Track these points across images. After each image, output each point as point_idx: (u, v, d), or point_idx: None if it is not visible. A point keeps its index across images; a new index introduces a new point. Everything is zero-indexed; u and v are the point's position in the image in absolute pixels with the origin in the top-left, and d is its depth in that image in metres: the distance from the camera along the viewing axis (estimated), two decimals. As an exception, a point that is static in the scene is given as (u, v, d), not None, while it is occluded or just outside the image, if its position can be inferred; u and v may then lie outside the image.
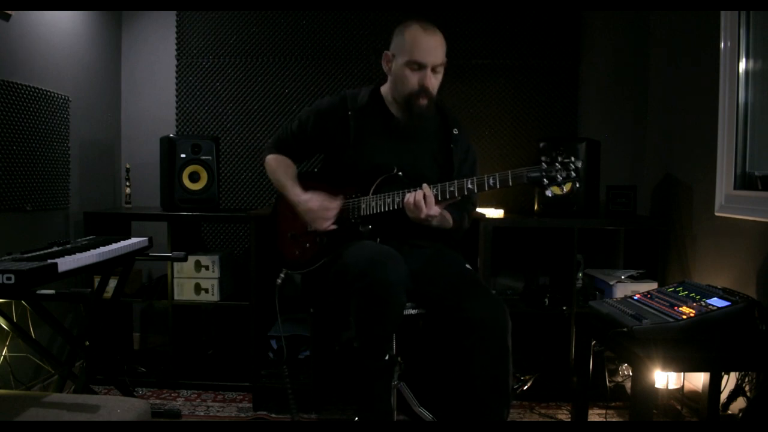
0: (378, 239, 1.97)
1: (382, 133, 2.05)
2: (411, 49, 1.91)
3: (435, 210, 1.84)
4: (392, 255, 1.78)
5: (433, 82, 1.96)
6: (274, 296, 2.11)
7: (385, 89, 2.09)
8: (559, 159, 1.78)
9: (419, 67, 1.92)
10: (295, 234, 2.09)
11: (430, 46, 1.92)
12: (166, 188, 2.86)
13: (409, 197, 1.85)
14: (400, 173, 1.98)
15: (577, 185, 1.81)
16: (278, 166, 2.15)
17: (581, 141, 2.75)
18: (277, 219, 2.17)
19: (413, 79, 1.93)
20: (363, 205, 1.97)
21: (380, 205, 1.94)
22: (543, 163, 1.79)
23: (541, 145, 2.77)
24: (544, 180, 1.78)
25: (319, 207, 1.96)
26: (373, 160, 2.00)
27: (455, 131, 2.07)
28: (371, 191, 1.97)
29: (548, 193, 1.83)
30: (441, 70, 1.97)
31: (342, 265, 1.84)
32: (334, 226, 1.98)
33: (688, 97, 2.81)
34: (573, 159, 1.77)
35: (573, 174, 1.78)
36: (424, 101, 1.95)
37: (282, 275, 2.10)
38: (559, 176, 1.77)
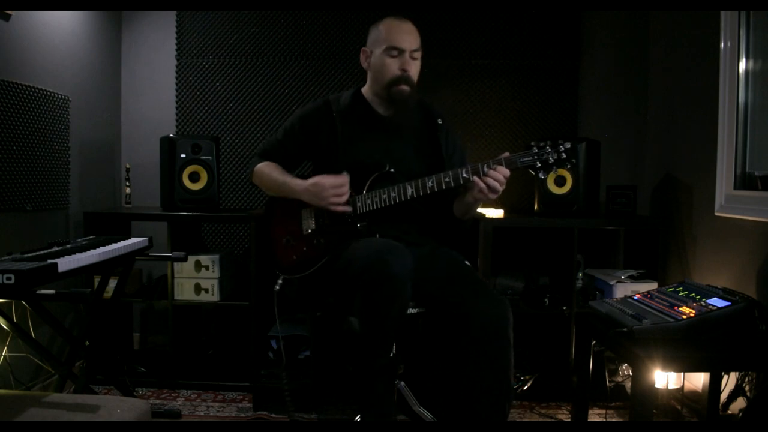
0: (377, 235, 1.97)
1: (368, 131, 2.07)
2: (388, 36, 1.98)
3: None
4: (397, 248, 1.78)
5: (412, 68, 1.99)
6: (273, 296, 2.10)
7: (366, 89, 2.12)
8: (549, 142, 1.85)
9: (398, 52, 1.97)
10: (289, 239, 2.08)
11: (406, 32, 1.99)
12: (166, 188, 2.86)
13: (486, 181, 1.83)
14: (392, 170, 1.99)
15: (569, 165, 1.87)
16: (271, 170, 2.13)
17: (581, 141, 2.75)
18: (270, 225, 2.16)
19: (393, 65, 1.97)
20: (359, 203, 1.98)
21: (376, 202, 1.95)
22: (534, 148, 1.85)
23: (541, 144, 2.77)
24: (537, 163, 1.84)
25: (331, 183, 1.93)
26: (364, 159, 2.01)
27: (439, 121, 2.11)
28: (365, 189, 1.98)
29: (541, 175, 1.87)
30: (418, 56, 2.01)
31: (347, 261, 1.84)
32: (349, 208, 1.95)
33: (688, 97, 2.81)
34: (562, 141, 1.84)
35: (564, 155, 1.83)
36: (405, 88, 1.98)
37: (280, 281, 2.10)
38: (550, 158, 1.84)
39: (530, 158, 1.84)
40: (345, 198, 1.95)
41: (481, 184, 1.83)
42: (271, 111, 3.30)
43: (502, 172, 1.83)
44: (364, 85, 2.13)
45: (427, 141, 2.09)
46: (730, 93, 2.41)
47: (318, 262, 2.01)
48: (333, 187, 1.93)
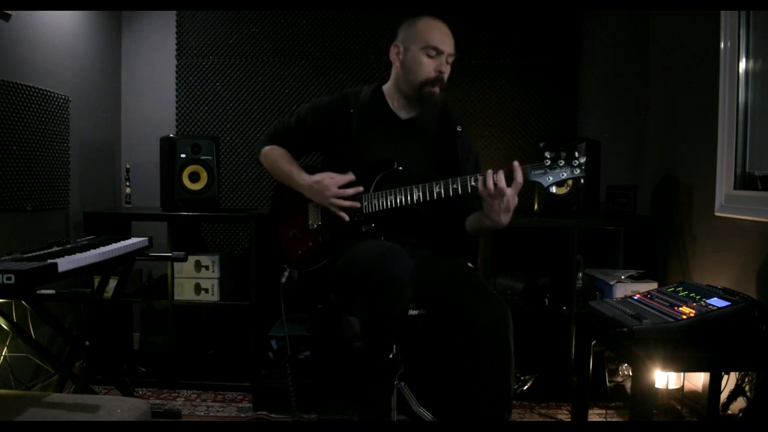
0: (382, 238, 1.96)
1: (384, 131, 2.03)
2: (427, 36, 1.93)
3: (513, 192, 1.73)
4: (399, 251, 1.77)
5: (447, 71, 1.96)
6: (273, 296, 2.10)
7: (387, 87, 2.07)
8: (563, 156, 1.75)
9: (437, 53, 1.92)
10: (296, 233, 2.07)
11: (446, 34, 1.95)
12: (166, 188, 2.86)
13: (488, 180, 1.72)
14: (401, 168, 1.95)
15: (582, 182, 1.76)
16: (279, 156, 2.10)
17: (581, 141, 2.75)
18: (276, 218, 2.15)
19: (429, 66, 1.93)
20: (365, 203, 1.96)
21: (382, 203, 1.93)
22: (547, 160, 1.76)
23: (541, 145, 2.77)
24: (549, 177, 1.77)
25: (335, 183, 1.90)
26: (373, 158, 1.98)
27: (459, 128, 2.06)
28: (372, 188, 1.96)
29: (553, 189, 1.79)
30: (450, 62, 1.97)
31: (348, 262, 1.83)
32: (346, 217, 1.92)
33: (688, 97, 2.81)
34: (577, 155, 1.75)
35: (577, 171, 1.75)
36: (437, 90, 1.94)
37: (286, 274, 2.08)
38: (563, 174, 1.75)
39: (541, 171, 1.76)
40: (347, 202, 1.92)
41: (489, 184, 1.73)
42: (271, 111, 3.30)
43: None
44: (384, 81, 2.09)
45: (442, 146, 2.05)
46: (730, 93, 2.41)
47: (322, 260, 1.99)
48: (336, 186, 1.90)
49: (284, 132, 2.15)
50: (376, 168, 1.97)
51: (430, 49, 1.92)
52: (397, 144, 2.02)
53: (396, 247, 1.81)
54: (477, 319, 1.74)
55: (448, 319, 1.81)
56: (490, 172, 1.75)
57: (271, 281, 2.14)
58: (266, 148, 2.15)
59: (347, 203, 1.93)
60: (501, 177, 1.73)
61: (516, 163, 1.74)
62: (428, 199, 1.87)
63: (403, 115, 2.05)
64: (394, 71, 2.04)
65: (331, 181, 1.92)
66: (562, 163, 1.75)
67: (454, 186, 1.83)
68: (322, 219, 2.02)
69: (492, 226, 1.82)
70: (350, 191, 1.93)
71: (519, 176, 1.73)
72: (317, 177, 1.95)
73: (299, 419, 2.45)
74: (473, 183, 1.80)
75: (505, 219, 1.77)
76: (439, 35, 1.93)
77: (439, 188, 1.85)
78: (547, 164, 1.76)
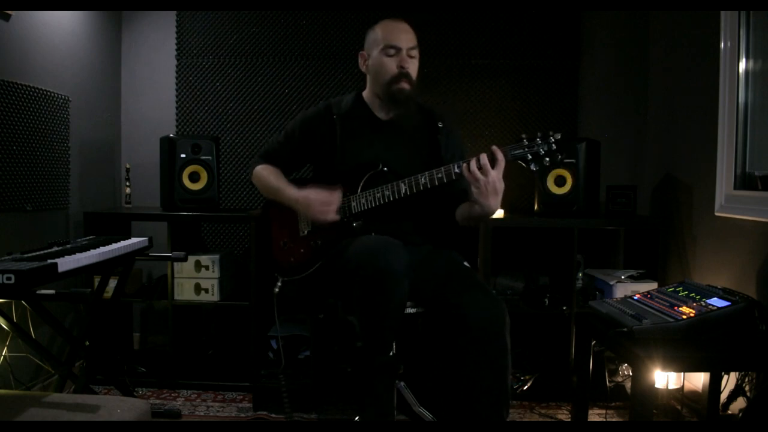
0: (372, 234, 1.97)
1: (367, 135, 2.07)
2: (384, 36, 2.00)
3: (497, 175, 1.78)
4: (392, 244, 1.78)
5: (411, 65, 2.00)
6: (273, 298, 2.11)
7: (366, 92, 2.13)
8: (539, 134, 1.82)
9: (395, 51, 1.98)
10: (286, 242, 2.10)
11: (402, 30, 2.01)
12: (166, 188, 2.86)
13: (472, 163, 1.78)
14: (385, 168, 1.99)
15: (560, 157, 1.83)
16: (268, 174, 2.15)
17: (581, 141, 2.75)
18: (268, 227, 2.17)
19: (391, 64, 1.98)
20: (353, 203, 1.98)
21: (370, 201, 1.96)
22: (524, 140, 1.82)
23: (531, 136, 2.77)
24: (528, 155, 1.81)
25: (320, 199, 1.94)
26: (360, 160, 2.02)
27: (440, 124, 2.10)
28: (359, 188, 1.99)
29: (533, 167, 1.84)
30: (415, 55, 2.02)
31: (343, 259, 1.84)
32: (337, 216, 1.95)
33: (688, 97, 2.81)
34: (552, 132, 1.82)
35: (554, 146, 1.80)
36: (405, 85, 1.98)
37: (279, 283, 2.10)
38: (540, 150, 1.81)
39: (521, 150, 1.82)
40: (331, 215, 1.93)
41: (473, 166, 1.77)
42: (271, 111, 3.30)
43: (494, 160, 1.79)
44: (364, 88, 2.14)
45: (426, 144, 2.09)
46: (730, 93, 2.41)
47: (315, 264, 2.01)
48: (320, 204, 1.93)
49: (275, 149, 2.20)
50: (362, 170, 2.01)
51: (388, 48, 1.98)
52: (381, 146, 2.05)
53: (389, 240, 1.82)
54: (474, 318, 1.74)
55: (446, 318, 1.81)
56: (473, 158, 1.80)
57: (271, 281, 2.14)
58: (257, 168, 2.20)
59: (330, 218, 1.94)
60: (484, 157, 1.79)
61: (494, 147, 1.80)
62: (415, 191, 1.90)
63: (384, 116, 2.09)
64: (367, 77, 2.10)
65: (316, 198, 1.94)
66: (539, 141, 1.81)
67: (439, 175, 1.87)
68: (312, 225, 2.05)
69: (482, 213, 1.86)
70: (334, 207, 1.94)
71: (499, 155, 1.79)
72: (304, 192, 1.97)
73: (295, 420, 2.45)
74: (457, 170, 1.84)
75: (494, 203, 1.81)
76: (396, 33, 1.99)
77: (425, 179, 1.88)
78: (525, 143, 1.82)
